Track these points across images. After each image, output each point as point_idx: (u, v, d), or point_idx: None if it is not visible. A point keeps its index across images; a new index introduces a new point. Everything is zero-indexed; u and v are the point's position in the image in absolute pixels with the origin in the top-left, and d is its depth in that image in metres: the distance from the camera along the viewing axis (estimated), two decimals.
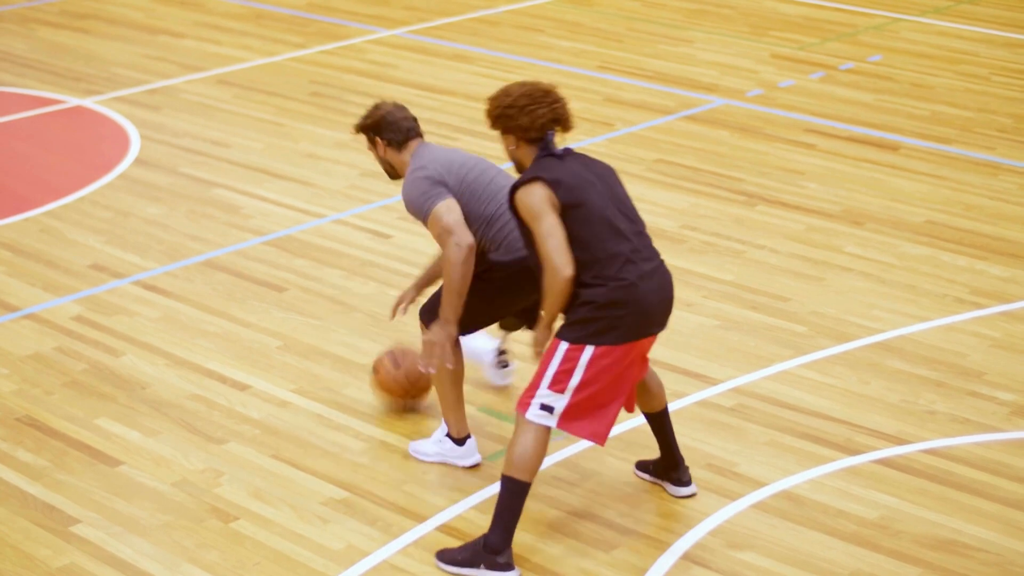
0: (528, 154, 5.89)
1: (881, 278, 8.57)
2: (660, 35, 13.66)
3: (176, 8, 14.85)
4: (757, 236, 9.15)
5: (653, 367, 7.54)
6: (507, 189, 6.26)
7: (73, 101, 11.89)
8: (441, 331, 6.34)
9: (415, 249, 8.97)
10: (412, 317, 8.12)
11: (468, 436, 6.66)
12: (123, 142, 10.96)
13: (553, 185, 5.69)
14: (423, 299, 6.81)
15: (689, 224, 9.29)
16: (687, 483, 6.42)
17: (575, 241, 5.68)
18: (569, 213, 5.68)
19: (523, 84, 5.92)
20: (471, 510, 6.35)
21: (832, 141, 10.86)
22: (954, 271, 8.67)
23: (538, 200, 5.67)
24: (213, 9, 14.84)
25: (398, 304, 6.92)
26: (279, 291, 8.46)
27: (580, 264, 5.68)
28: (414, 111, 11.40)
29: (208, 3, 15.05)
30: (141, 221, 9.47)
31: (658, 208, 9.59)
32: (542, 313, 5.82)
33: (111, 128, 11.30)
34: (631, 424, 7.00)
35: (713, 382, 7.40)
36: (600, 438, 5.89)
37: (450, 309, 6.28)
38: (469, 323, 6.47)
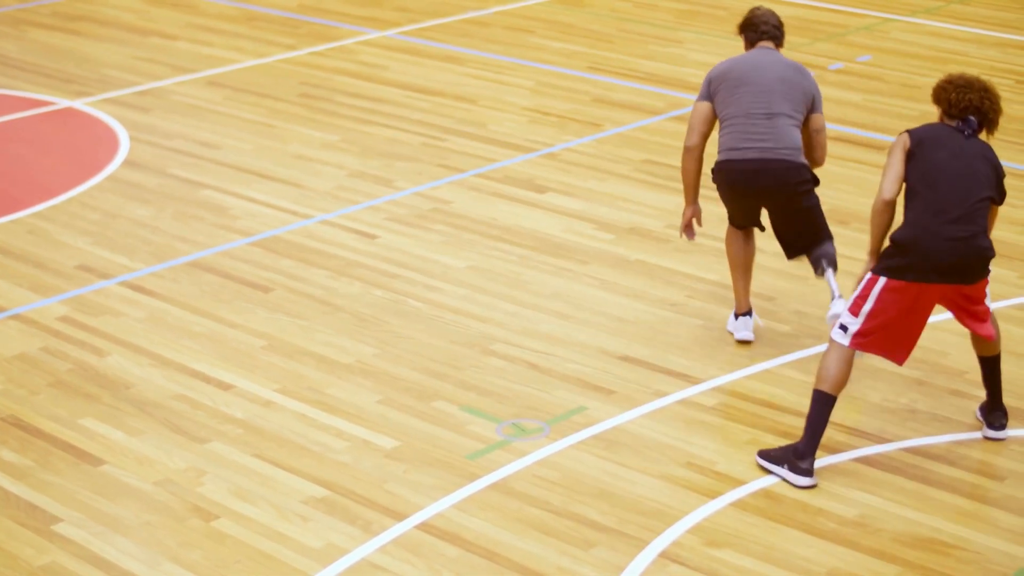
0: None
1: None
2: (651, 36, 13.69)
3: (168, 10, 14.88)
4: None
5: (634, 365, 7.59)
6: (754, 104, 7.55)
7: (64, 103, 11.92)
8: (687, 209, 7.84)
9: (401, 249, 9.01)
10: (399, 317, 8.15)
11: (747, 312, 7.79)
12: (113, 144, 10.98)
13: (910, 137, 6.63)
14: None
15: (675, 224, 9.31)
16: (999, 427, 6.90)
17: (909, 187, 6.56)
18: (912, 162, 6.58)
19: (962, 76, 6.94)
20: (452, 508, 6.38)
21: None
22: None
23: (896, 142, 6.66)
24: (205, 11, 14.87)
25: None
26: (265, 291, 8.49)
27: (905, 207, 6.54)
28: (405, 112, 11.55)
29: (200, 5, 15.08)
30: (129, 222, 9.50)
31: (645, 208, 9.62)
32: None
33: (101, 129, 11.33)
34: (613, 423, 7.03)
35: (696, 381, 7.43)
36: (898, 359, 6.65)
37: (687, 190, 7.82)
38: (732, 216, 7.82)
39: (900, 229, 6.55)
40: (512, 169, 10.33)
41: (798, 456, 6.55)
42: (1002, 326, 7.97)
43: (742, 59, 7.73)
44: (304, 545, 6.13)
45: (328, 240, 9.17)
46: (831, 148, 10.69)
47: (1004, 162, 10.63)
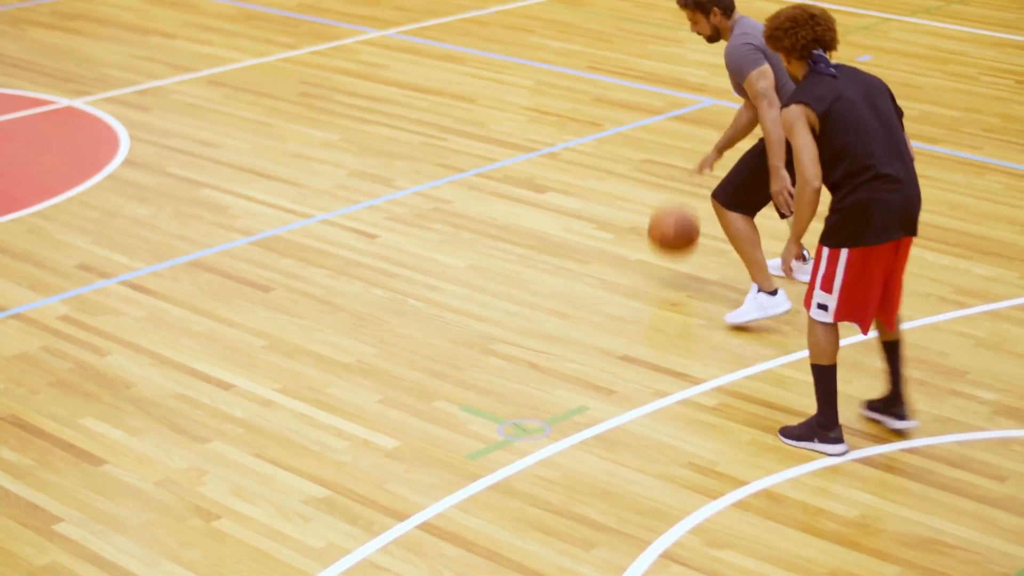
0: (799, 68, 6.67)
1: None
2: (650, 35, 13.68)
3: (167, 9, 14.87)
4: None
5: (635, 364, 7.58)
6: None
7: (63, 102, 11.91)
8: (778, 179, 7.63)
9: (401, 249, 9.00)
10: (399, 316, 8.15)
11: (777, 289, 7.90)
12: (113, 143, 10.97)
13: (812, 104, 6.46)
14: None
15: None
16: (909, 416, 6.89)
17: (828, 151, 6.46)
18: (827, 127, 6.45)
19: (792, 7, 6.70)
20: (453, 508, 6.38)
21: None
22: (938, 270, 8.69)
23: (794, 116, 6.48)
24: (204, 10, 14.85)
25: (702, 165, 8.27)
26: (265, 291, 8.48)
27: (832, 172, 6.46)
28: (404, 111, 11.54)
29: (199, 4, 15.07)
30: (129, 221, 9.49)
31: (645, 208, 9.60)
32: (791, 231, 6.67)
33: (101, 129, 11.32)
34: (614, 423, 7.03)
35: (696, 381, 7.42)
36: (863, 328, 6.65)
37: (775, 157, 7.65)
38: (755, 199, 7.90)
39: (846, 196, 6.47)
40: (512, 168, 10.32)
41: (825, 427, 6.72)
42: (1004, 327, 8.00)
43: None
44: (305, 545, 6.13)
45: (328, 239, 9.17)
46: None
47: (1006, 163, 10.71)
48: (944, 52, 13.13)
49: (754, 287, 7.96)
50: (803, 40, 6.59)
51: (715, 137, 10.93)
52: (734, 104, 11.68)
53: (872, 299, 6.59)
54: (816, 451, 6.74)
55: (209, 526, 6.28)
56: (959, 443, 6.89)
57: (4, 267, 8.84)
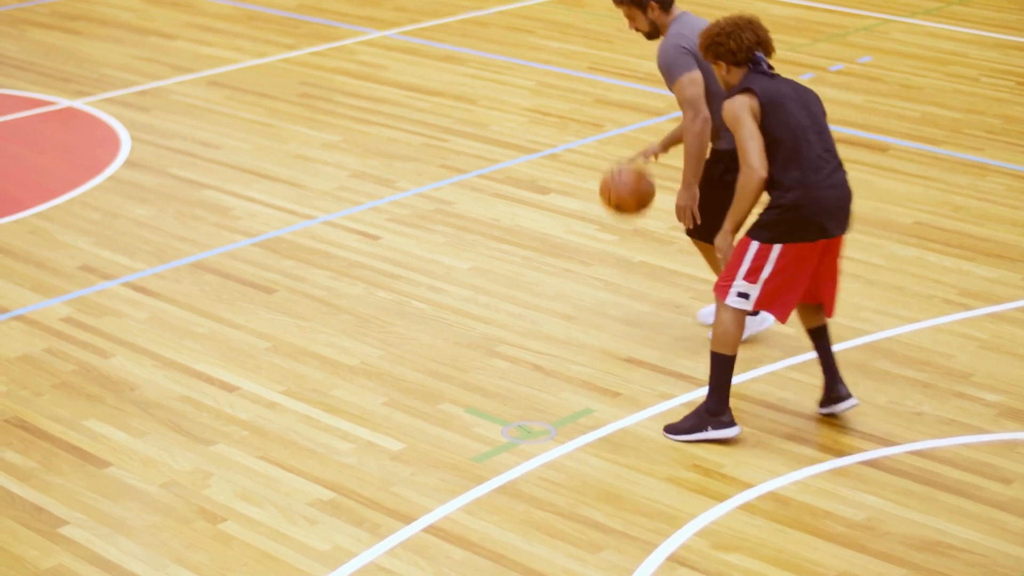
0: (737, 75, 6.71)
1: (869, 279, 8.59)
2: None
3: (167, 9, 14.85)
4: None
5: (640, 367, 7.57)
6: None
7: (64, 102, 11.90)
8: (686, 192, 7.38)
9: (403, 250, 8.99)
10: (402, 318, 8.14)
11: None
12: (113, 143, 10.96)
13: (756, 91, 6.54)
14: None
15: (677, 225, 9.28)
16: (847, 396, 6.97)
17: (770, 144, 6.51)
18: (768, 119, 6.52)
19: (728, 16, 6.77)
20: (458, 511, 6.37)
21: None
22: (941, 272, 8.69)
23: (739, 107, 6.53)
24: (204, 10, 14.84)
25: (645, 153, 7.71)
26: (267, 292, 8.47)
27: (771, 168, 6.52)
28: (405, 112, 11.53)
29: (198, 4, 15.05)
30: (130, 222, 9.48)
31: (648, 209, 9.57)
32: (727, 219, 6.70)
33: (102, 129, 11.31)
34: (619, 425, 7.02)
35: (701, 383, 7.41)
36: (783, 318, 6.77)
37: (690, 172, 7.34)
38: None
39: (783, 193, 6.55)
40: (514, 170, 10.31)
41: (715, 413, 6.79)
42: (1007, 329, 7.99)
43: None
44: (311, 548, 6.12)
45: (330, 241, 9.15)
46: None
47: (1008, 164, 10.70)
48: (945, 53, 13.13)
49: None
50: (747, 42, 6.67)
51: None
52: None
53: (796, 292, 6.73)
54: (711, 439, 6.79)
55: (215, 529, 6.26)
56: (964, 445, 6.88)
57: (6, 268, 8.82)
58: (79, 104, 11.85)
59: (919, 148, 10.73)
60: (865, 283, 8.54)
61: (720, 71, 6.77)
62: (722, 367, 6.78)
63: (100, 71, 12.72)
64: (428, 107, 11.69)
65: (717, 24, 6.77)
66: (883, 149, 10.72)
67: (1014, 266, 8.77)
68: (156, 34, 13.93)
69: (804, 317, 6.99)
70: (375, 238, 9.19)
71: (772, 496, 6.48)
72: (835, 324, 8.00)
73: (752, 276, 6.66)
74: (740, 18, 6.75)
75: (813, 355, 7.67)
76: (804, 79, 12.36)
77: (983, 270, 8.71)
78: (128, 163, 10.53)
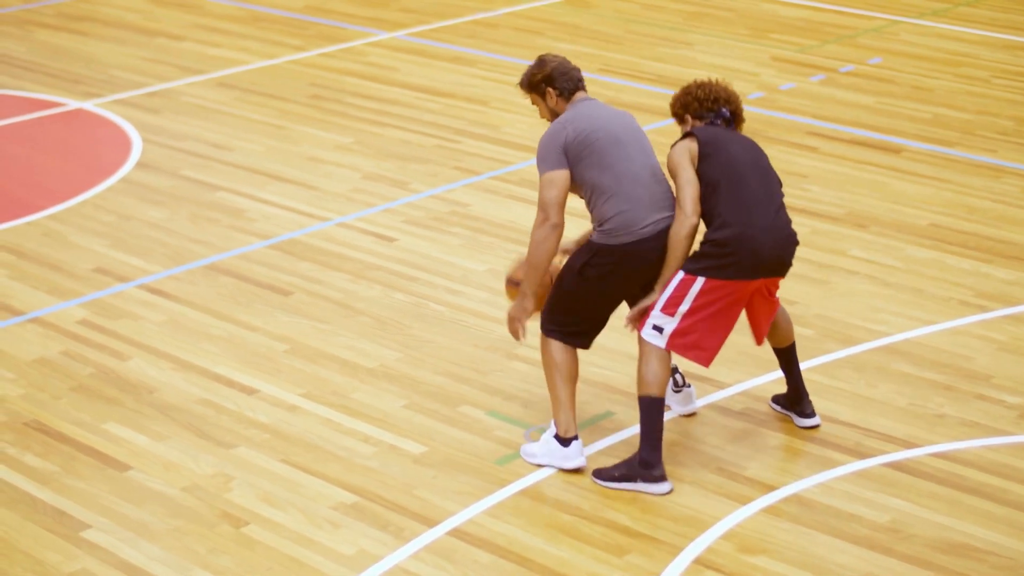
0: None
1: (886, 281, 8.58)
2: (659, 37, 13.65)
3: (173, 10, 14.82)
4: None
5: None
6: (639, 166, 6.55)
7: (73, 104, 11.87)
8: (517, 305, 6.67)
9: (420, 252, 8.97)
10: (420, 321, 8.12)
11: (575, 437, 6.63)
12: (124, 145, 10.93)
13: (696, 134, 6.48)
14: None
15: None
16: (810, 415, 6.96)
17: (708, 185, 6.40)
18: (707, 160, 6.42)
19: (690, 85, 6.74)
20: (482, 514, 6.35)
21: (834, 144, 10.86)
22: (959, 274, 8.67)
23: (678, 152, 6.45)
24: (209, 11, 14.81)
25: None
26: (284, 295, 8.44)
27: (709, 206, 6.40)
28: (416, 114, 11.51)
29: (204, 5, 15.03)
30: (144, 224, 9.46)
31: None
32: (664, 270, 6.42)
33: (112, 131, 11.28)
34: (633, 431, 6.99)
35: (722, 386, 7.40)
36: (704, 361, 6.50)
37: (527, 282, 6.60)
38: (578, 327, 6.62)
39: (717, 229, 6.35)
40: (528, 172, 10.29)
41: (647, 467, 6.46)
42: (1014, 329, 7.98)
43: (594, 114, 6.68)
44: (336, 551, 6.10)
45: (346, 243, 9.13)
46: (846, 151, 10.69)
47: (1014, 164, 10.69)
48: (955, 55, 13.12)
49: (552, 428, 6.72)
50: (715, 94, 6.64)
51: None
52: (746, 107, 11.65)
53: (718, 335, 6.46)
54: (638, 491, 6.47)
55: (238, 532, 6.24)
56: (987, 447, 6.87)
57: (20, 271, 8.79)
58: (88, 105, 11.82)
59: (932, 150, 10.72)
60: (882, 285, 8.52)
61: (684, 125, 6.70)
62: (649, 412, 6.44)
63: (108, 72, 12.69)
64: (440, 109, 11.67)
65: (689, 84, 6.74)
66: (896, 151, 10.70)
67: (1022, 266, 8.78)
68: (162, 35, 13.90)
69: (771, 339, 6.88)
70: (391, 240, 9.17)
71: (796, 499, 6.46)
72: (854, 326, 8.00)
73: (670, 308, 6.38)
74: (708, 81, 6.72)
75: (832, 357, 7.68)
76: (815, 80, 12.36)
77: (1001, 272, 8.69)
78: (140, 165, 10.51)
